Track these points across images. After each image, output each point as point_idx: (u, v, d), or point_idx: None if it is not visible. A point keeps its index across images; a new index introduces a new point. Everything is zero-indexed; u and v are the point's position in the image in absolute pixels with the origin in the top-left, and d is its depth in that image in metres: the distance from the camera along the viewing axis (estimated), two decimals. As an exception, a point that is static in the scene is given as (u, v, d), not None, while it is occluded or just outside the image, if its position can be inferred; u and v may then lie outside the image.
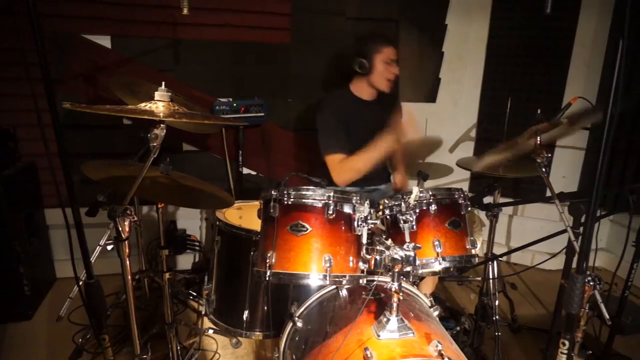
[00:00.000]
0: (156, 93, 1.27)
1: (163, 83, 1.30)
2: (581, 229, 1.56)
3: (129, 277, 1.27)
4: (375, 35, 2.28)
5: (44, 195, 2.75)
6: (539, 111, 1.85)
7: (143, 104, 1.27)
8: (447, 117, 3.37)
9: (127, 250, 1.24)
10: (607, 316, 1.24)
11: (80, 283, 1.11)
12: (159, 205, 2.04)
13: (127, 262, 1.25)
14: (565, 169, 3.26)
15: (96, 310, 1.11)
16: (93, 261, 1.44)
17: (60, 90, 2.65)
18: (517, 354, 2.32)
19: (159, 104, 1.27)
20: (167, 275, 1.85)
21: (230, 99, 2.77)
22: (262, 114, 2.81)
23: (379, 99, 2.41)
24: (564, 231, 1.55)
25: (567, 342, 1.18)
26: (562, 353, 1.19)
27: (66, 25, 2.62)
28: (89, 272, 1.09)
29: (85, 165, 1.50)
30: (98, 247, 1.53)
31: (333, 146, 2.19)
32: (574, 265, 1.12)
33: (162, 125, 1.22)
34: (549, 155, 1.60)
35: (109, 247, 1.22)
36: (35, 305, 2.55)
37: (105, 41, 2.70)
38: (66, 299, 1.71)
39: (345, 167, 2.14)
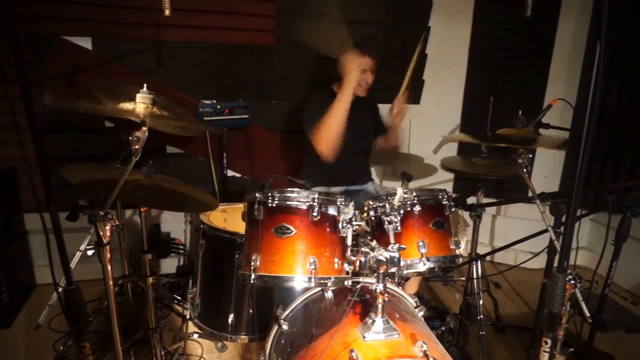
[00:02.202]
0: (138, 95, 1.25)
1: (145, 85, 1.28)
2: (562, 228, 1.59)
3: (111, 282, 1.24)
4: (354, 42, 2.33)
5: (23, 199, 2.69)
6: (520, 112, 1.88)
7: (124, 105, 1.25)
8: (431, 118, 3.40)
9: (109, 255, 1.22)
10: (587, 314, 1.26)
11: (60, 289, 1.09)
12: (142, 209, 2.01)
13: (109, 267, 1.23)
14: (546, 170, 3.32)
15: (76, 317, 1.09)
16: (73, 266, 1.42)
17: (39, 93, 2.59)
18: (501, 353, 2.34)
19: (140, 105, 1.25)
20: (150, 280, 1.82)
21: (214, 101, 2.74)
22: (247, 116, 2.79)
23: (358, 97, 2.44)
24: (546, 231, 1.57)
25: (549, 341, 1.19)
26: (544, 351, 1.21)
27: (45, 27, 2.56)
28: (68, 278, 1.07)
29: (66, 169, 1.47)
30: (78, 252, 1.50)
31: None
32: (555, 264, 1.14)
33: (144, 127, 1.20)
34: (530, 155, 1.62)
35: (90, 252, 1.20)
36: (14, 313, 2.49)
37: (86, 43, 2.65)
38: (46, 306, 1.67)
39: (322, 131, 2.17)
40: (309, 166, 2.53)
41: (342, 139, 2.19)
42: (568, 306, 1.21)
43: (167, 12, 1.84)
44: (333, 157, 2.19)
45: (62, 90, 2.64)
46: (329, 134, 2.16)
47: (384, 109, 2.67)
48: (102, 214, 1.17)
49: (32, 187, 0.99)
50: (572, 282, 1.17)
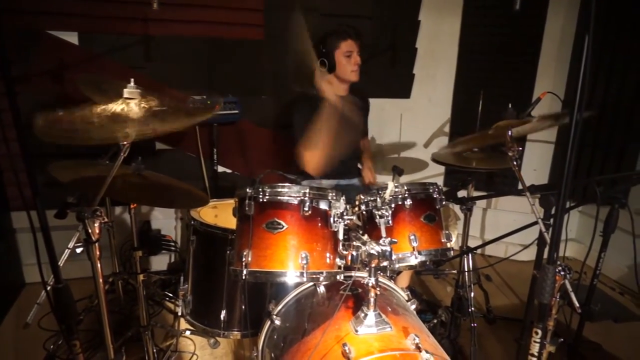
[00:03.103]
0: (125, 90, 1.23)
1: (132, 80, 1.26)
2: (551, 220, 1.60)
3: (101, 280, 1.24)
4: (331, 33, 2.34)
5: (10, 197, 2.65)
6: (510, 106, 1.89)
7: (112, 104, 1.23)
8: (421, 113, 3.41)
9: (98, 253, 1.21)
10: (577, 304, 1.27)
11: (48, 288, 1.07)
12: (132, 206, 1.99)
13: (98, 265, 1.22)
14: (536, 162, 3.34)
15: (65, 315, 1.07)
16: (62, 264, 1.40)
17: (25, 89, 2.55)
18: (492, 344, 2.37)
19: (131, 103, 1.24)
20: (141, 277, 1.81)
21: (204, 97, 2.72)
22: (237, 111, 2.78)
23: (352, 92, 2.44)
24: (536, 223, 1.58)
25: (539, 331, 1.20)
26: (535, 342, 1.22)
27: (30, 21, 2.52)
28: (56, 276, 1.06)
29: (53, 166, 1.45)
30: (67, 250, 1.48)
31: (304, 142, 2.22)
32: (545, 255, 1.15)
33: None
34: (520, 148, 1.63)
35: (79, 250, 1.19)
36: (3, 312, 2.46)
37: (72, 38, 2.61)
38: (35, 305, 1.66)
39: (308, 155, 2.17)
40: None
41: (333, 138, 2.18)
42: (558, 297, 1.22)
43: (154, 6, 1.81)
44: (320, 175, 2.22)
45: (48, 87, 2.60)
46: (315, 157, 2.16)
47: (373, 102, 2.69)
48: (90, 211, 1.16)
49: (17, 184, 0.97)
50: (561, 273, 1.18)
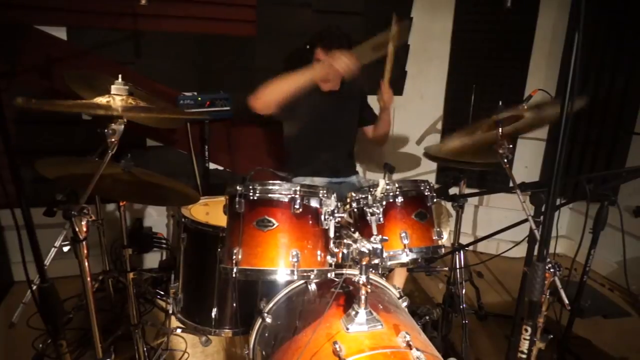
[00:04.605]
0: (112, 86, 1.21)
1: (120, 76, 1.24)
2: (542, 217, 1.61)
3: (89, 278, 1.22)
4: (311, 40, 2.30)
5: (-3, 195, 2.61)
6: (500, 103, 1.89)
7: (99, 98, 1.21)
8: (413, 110, 3.41)
9: (86, 251, 1.19)
10: (566, 301, 1.28)
11: (34, 287, 1.06)
12: (121, 204, 1.97)
13: (86, 263, 1.20)
14: (527, 160, 3.36)
15: (51, 314, 1.06)
16: (48, 263, 1.38)
17: (12, 84, 2.51)
18: (483, 341, 2.38)
19: (117, 97, 1.22)
20: (131, 275, 1.80)
21: (195, 93, 2.70)
22: (228, 108, 2.76)
23: (342, 89, 2.41)
24: (526, 220, 1.59)
25: (529, 328, 1.21)
26: (525, 339, 1.22)
27: (17, 15, 2.48)
28: (42, 275, 1.04)
29: (39, 163, 1.42)
30: (53, 248, 1.46)
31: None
32: (536, 252, 1.15)
33: (120, 119, 1.17)
34: (511, 146, 1.63)
35: (66, 249, 1.17)
36: (-9, 311, 2.43)
37: (60, 33, 2.57)
38: (20, 304, 1.63)
39: (266, 88, 2.15)
40: (293, 157, 2.50)
41: (325, 131, 2.15)
42: (548, 294, 1.22)
43: (143, 1, 1.78)
44: (264, 111, 2.15)
45: (36, 83, 2.56)
46: (268, 92, 2.12)
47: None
48: (78, 209, 1.14)
49: (1, 181, 0.95)
50: (551, 270, 1.18)
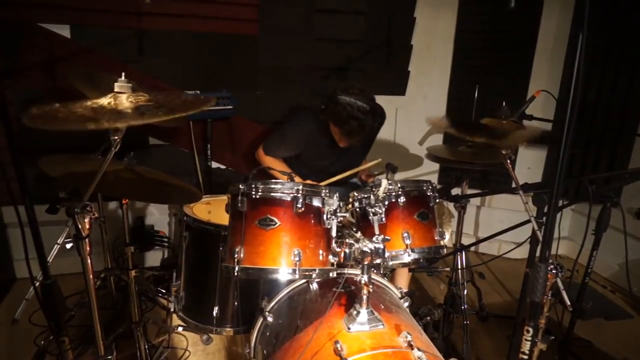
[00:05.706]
0: (115, 84, 1.22)
1: (123, 74, 1.25)
2: (544, 218, 1.61)
3: (91, 275, 1.22)
4: (330, 112, 2.14)
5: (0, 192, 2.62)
6: (503, 104, 1.89)
7: (103, 99, 1.21)
8: (416, 110, 3.40)
9: (88, 248, 1.19)
10: (568, 302, 1.28)
11: (37, 284, 1.06)
12: (124, 202, 1.98)
13: (89, 261, 1.20)
14: (530, 161, 3.36)
15: (54, 311, 1.06)
16: (51, 260, 1.39)
17: (15, 82, 2.52)
18: (484, 341, 2.38)
19: (122, 97, 1.22)
20: (133, 273, 1.80)
21: (198, 92, 2.70)
22: (231, 107, 2.76)
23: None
24: (529, 221, 1.58)
25: (531, 329, 1.21)
26: (526, 339, 1.22)
27: (20, 13, 2.48)
28: (45, 272, 1.04)
29: (43, 161, 1.43)
30: (56, 245, 1.47)
31: (276, 154, 2.36)
32: (538, 253, 1.15)
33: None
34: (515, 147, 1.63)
35: (68, 246, 1.17)
36: (-6, 308, 2.44)
37: (64, 30, 2.58)
38: (23, 301, 1.64)
39: (269, 163, 2.32)
40: (295, 165, 2.47)
41: (306, 171, 2.32)
42: (549, 295, 1.22)
43: (146, 0, 1.78)
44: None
45: (39, 80, 2.56)
46: (266, 165, 2.28)
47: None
48: (81, 206, 1.14)
49: (4, 179, 0.95)
50: (553, 271, 1.18)
